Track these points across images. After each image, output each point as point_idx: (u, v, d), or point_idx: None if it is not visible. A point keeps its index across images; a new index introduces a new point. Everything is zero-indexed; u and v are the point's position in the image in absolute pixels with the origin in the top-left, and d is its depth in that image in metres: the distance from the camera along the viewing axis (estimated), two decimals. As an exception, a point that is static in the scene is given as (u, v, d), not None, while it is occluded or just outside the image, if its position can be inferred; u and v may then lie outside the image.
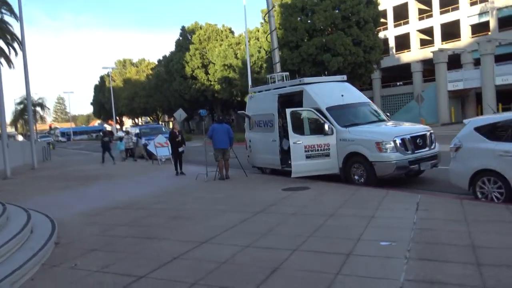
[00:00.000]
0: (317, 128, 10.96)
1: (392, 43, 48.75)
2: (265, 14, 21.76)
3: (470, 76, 38.08)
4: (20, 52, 24.20)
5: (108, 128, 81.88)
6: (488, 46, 35.72)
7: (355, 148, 10.11)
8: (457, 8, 43.01)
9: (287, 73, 14.30)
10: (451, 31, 43.60)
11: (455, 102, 40.21)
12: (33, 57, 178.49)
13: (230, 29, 52.89)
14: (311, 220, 6.64)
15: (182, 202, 8.96)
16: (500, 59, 37.06)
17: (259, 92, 13.79)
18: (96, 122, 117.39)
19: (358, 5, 32.44)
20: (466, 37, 42.53)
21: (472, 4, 41.96)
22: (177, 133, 14.23)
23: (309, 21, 33.99)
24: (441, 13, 44.42)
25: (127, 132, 26.90)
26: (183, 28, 55.23)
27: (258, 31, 43.89)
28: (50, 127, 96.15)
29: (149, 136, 23.77)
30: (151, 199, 9.68)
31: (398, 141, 9.64)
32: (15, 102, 58.38)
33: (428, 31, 46.11)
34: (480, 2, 41.04)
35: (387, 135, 9.83)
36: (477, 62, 40.82)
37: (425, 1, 45.78)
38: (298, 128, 10.98)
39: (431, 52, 40.38)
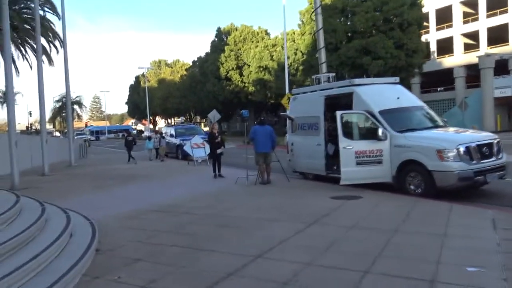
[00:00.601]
0: (369, 133, 10.19)
1: (433, 47, 46.95)
2: (312, 13, 21.11)
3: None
4: (60, 50, 24.51)
5: (141, 127, 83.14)
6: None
7: (412, 155, 9.27)
8: (505, 12, 40.94)
9: (333, 73, 13.57)
10: (498, 35, 41.54)
11: (501, 109, 38.24)
12: (71, 57, 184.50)
13: (266, 31, 52.40)
14: (374, 236, 5.91)
15: (226, 207, 8.39)
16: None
17: (303, 93, 13.11)
18: (130, 121, 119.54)
19: (402, 6, 31.23)
20: (514, 42, 40.41)
21: (522, 7, 39.83)
22: (217, 134, 13.74)
23: (349, 23, 33.04)
24: (488, 16, 42.42)
25: (155, 132, 26.77)
26: (218, 30, 55.18)
27: (294, 33, 43.18)
28: (86, 125, 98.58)
29: (184, 136, 23.50)
30: (192, 202, 9.17)
31: (462, 149, 8.75)
32: (53, 99, 59.99)
33: (473, 35, 44.15)
34: (531, 5, 38.89)
35: (449, 142, 8.95)
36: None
37: (471, 4, 43.88)
38: (348, 133, 10.25)
39: (476, 56, 38.57)
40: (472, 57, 42.46)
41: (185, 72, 69.17)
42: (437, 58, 47.14)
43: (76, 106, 56.32)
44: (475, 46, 44.11)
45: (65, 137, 59.32)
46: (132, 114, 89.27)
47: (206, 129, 58.32)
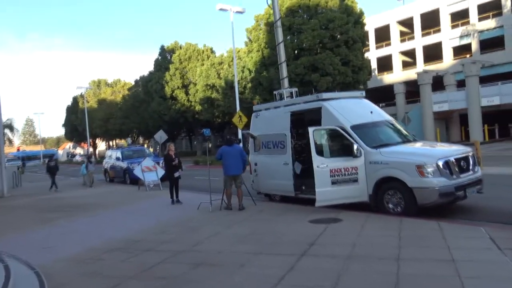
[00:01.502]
0: (342, 150, 9.63)
1: (374, 64, 48.69)
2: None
3: (455, 97, 38.06)
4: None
5: (80, 150, 78.62)
6: (473, 67, 35.85)
7: (390, 172, 8.79)
8: (438, 31, 43.42)
9: (296, 88, 13.06)
10: (433, 53, 43.89)
11: (440, 123, 40.05)
12: (0, 77, 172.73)
13: (211, 49, 51.78)
14: (380, 267, 5.22)
15: (197, 240, 7.36)
16: (483, 80, 37.21)
17: (266, 109, 12.41)
18: (68, 145, 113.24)
19: (346, 24, 31.94)
20: (448, 59, 42.84)
21: (453, 27, 42.43)
22: (173, 156, 12.64)
23: (296, 40, 33.24)
24: (423, 35, 44.77)
25: (89, 156, 25.57)
26: (162, 48, 53.77)
27: (240, 51, 42.88)
28: (18, 150, 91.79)
29: (132, 159, 22.01)
30: (155, 236, 8.04)
31: (441, 164, 8.39)
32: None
33: (410, 53, 46.34)
34: (462, 25, 41.53)
35: (429, 157, 8.58)
36: (459, 84, 41.08)
37: (407, 24, 46.15)
38: (321, 150, 9.64)
39: (416, 73, 40.32)
40: (410, 74, 44.44)
41: (127, 92, 66.62)
42: (378, 75, 48.90)
43: (7, 130, 51.96)
44: (413, 64, 46.27)
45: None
46: (70, 137, 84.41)
47: (151, 150, 56.26)
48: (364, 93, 11.64)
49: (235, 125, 54.61)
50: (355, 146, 9.17)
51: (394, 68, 47.75)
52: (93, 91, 73.70)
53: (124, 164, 21.79)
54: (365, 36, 34.48)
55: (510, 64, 37.52)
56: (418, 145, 9.89)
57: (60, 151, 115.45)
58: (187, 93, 48.59)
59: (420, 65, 44.51)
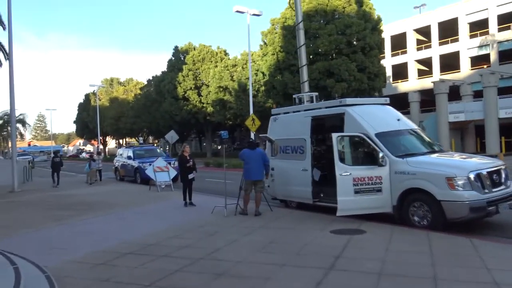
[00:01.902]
0: (366, 158, 9.25)
1: (389, 72, 48.10)
2: (294, 27, 20.35)
3: (471, 108, 37.33)
4: (5, 63, 22.20)
5: (90, 148, 78.86)
6: (492, 78, 35.14)
7: (417, 183, 8.36)
8: (456, 40, 42.79)
9: (317, 93, 12.66)
10: (450, 62, 43.24)
11: (455, 133, 39.34)
12: (18, 72, 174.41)
13: (224, 51, 51.62)
14: (416, 287, 4.81)
15: (214, 247, 7.00)
16: (501, 92, 36.48)
17: (285, 113, 12.04)
18: (78, 142, 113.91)
19: (364, 30, 31.52)
20: (465, 69, 42.16)
21: (471, 36, 41.79)
22: (188, 157, 12.32)
23: (312, 45, 32.85)
24: (440, 44, 44.15)
25: (98, 153, 25.58)
26: (176, 48, 53.77)
27: (253, 54, 42.61)
28: (29, 144, 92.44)
29: (143, 158, 21.75)
30: (170, 240, 7.69)
31: (473, 177, 7.94)
32: (-8, 117, 55.30)
33: (426, 62, 45.73)
34: (480, 35, 40.87)
35: (460, 168, 8.14)
36: (476, 94, 40.36)
37: (424, 32, 45.58)
38: (344, 158, 9.24)
39: (432, 82, 39.67)
40: (425, 83, 43.83)
41: (139, 91, 66.74)
42: (393, 83, 48.32)
43: (19, 125, 52.19)
44: (428, 72, 45.66)
45: (5, 158, 54.64)
46: (81, 134, 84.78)
47: (161, 149, 56.12)
48: (388, 100, 11.22)
49: (247, 128, 54.38)
50: (380, 155, 8.76)
51: (409, 76, 47.16)
52: (106, 89, 73.99)
53: (135, 163, 21.54)
54: (382, 42, 34.00)
55: (530, 76, 36.75)
56: (446, 156, 9.45)
57: (71, 148, 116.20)
58: (199, 94, 48.44)
59: (436, 74, 43.89)
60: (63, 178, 23.39)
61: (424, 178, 8.26)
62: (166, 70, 53.55)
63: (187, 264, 6.02)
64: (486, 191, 8.00)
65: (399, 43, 47.21)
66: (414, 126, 10.60)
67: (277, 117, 12.14)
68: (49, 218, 10.78)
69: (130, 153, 22.57)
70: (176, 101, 49.16)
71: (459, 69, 42.72)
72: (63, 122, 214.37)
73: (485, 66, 40.98)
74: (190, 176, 12.26)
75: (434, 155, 9.31)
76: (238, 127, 57.93)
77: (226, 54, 51.55)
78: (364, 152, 9.33)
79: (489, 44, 40.03)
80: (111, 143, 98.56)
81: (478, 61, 41.80)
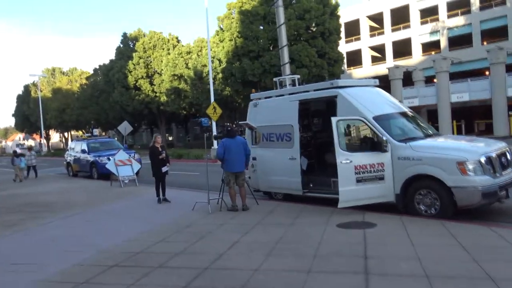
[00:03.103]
0: (366, 144, 8.57)
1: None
2: (275, 8, 19.37)
3: (425, 93, 38.30)
4: None
5: (30, 143, 73.67)
6: (444, 63, 36.13)
7: (424, 169, 7.75)
8: (408, 27, 43.63)
9: (298, 76, 11.82)
10: (402, 49, 44.09)
11: (409, 118, 40.22)
12: None
13: (177, 38, 49.50)
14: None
15: (216, 252, 5.96)
16: (452, 77, 37.64)
17: (266, 98, 11.09)
18: (18, 136, 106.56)
19: (323, 15, 31.12)
20: (417, 55, 43.17)
21: (422, 23, 42.75)
22: (160, 149, 11.08)
23: (271, 30, 31.98)
24: (393, 30, 44.87)
25: (29, 149, 23.88)
26: (124, 35, 50.91)
27: (203, 41, 40.84)
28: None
29: (99, 152, 20.01)
30: (158, 245, 6.56)
31: (484, 160, 7.46)
32: None
33: (380, 48, 46.39)
34: (431, 22, 41.88)
35: (471, 152, 7.61)
36: (427, 80, 41.54)
37: (377, 19, 46.12)
38: (344, 144, 8.48)
39: (386, 68, 40.27)
40: (379, 69, 44.49)
41: (85, 81, 62.95)
42: (347, 70, 48.66)
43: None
44: (382, 59, 46.38)
45: None
46: (21, 127, 79.06)
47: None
48: (377, 81, 10.60)
49: (201, 117, 52.93)
50: (383, 139, 8.07)
51: (363, 63, 47.68)
52: (47, 79, 69.14)
53: (90, 157, 19.75)
54: (339, 28, 33.78)
55: (478, 62, 38.17)
56: (448, 139, 8.97)
57: (9, 143, 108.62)
58: (151, 83, 46.24)
59: (390, 61, 44.64)
60: (3, 176, 21.33)
61: (432, 164, 7.66)
62: (114, 58, 50.63)
63: (194, 276, 4.96)
64: (497, 175, 7.55)
65: (352, 29, 47.50)
66: (407, 108, 10.05)
67: (258, 102, 11.15)
68: (1, 225, 9.19)
69: (84, 146, 20.69)
70: (127, 90, 46.62)
71: (411, 55, 43.67)
72: (0, 116, 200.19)
73: (433, 53, 42.15)
74: (164, 169, 11.04)
75: (435, 139, 8.79)
76: (192, 116, 56.16)
77: (178, 41, 49.51)
78: (364, 137, 8.64)
79: (439, 31, 41.13)
80: (55, 136, 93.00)
81: (429, 47, 42.94)
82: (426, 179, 7.77)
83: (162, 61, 45.09)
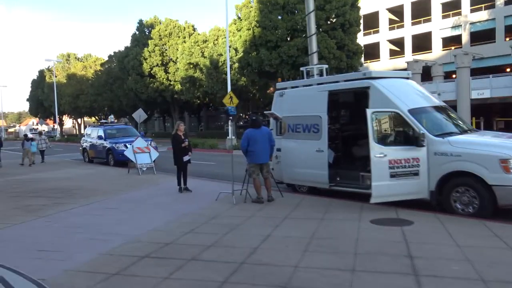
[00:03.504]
0: (401, 137, 8.22)
1: (361, 51, 47.61)
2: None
3: (444, 88, 37.37)
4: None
5: (43, 128, 74.21)
6: (465, 59, 35.21)
7: (463, 165, 7.40)
8: (429, 20, 42.72)
9: (326, 65, 11.47)
10: (421, 43, 43.23)
11: (427, 114, 39.52)
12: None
13: (193, 26, 49.14)
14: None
15: (249, 245, 5.71)
16: (473, 73, 36.78)
17: (292, 88, 10.75)
18: (31, 121, 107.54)
19: (344, 6, 30.48)
20: (437, 50, 42.28)
21: (444, 17, 41.80)
22: (183, 137, 10.84)
23: (290, 20, 31.47)
24: (413, 24, 43.98)
25: (40, 133, 23.92)
26: (140, 22, 50.69)
27: (224, 30, 40.48)
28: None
29: (115, 138, 19.87)
30: (188, 237, 6.31)
31: (526, 159, 7.09)
32: None
33: (398, 42, 45.55)
34: (453, 16, 40.92)
35: (513, 149, 7.23)
36: (447, 75, 40.66)
37: (397, 11, 45.22)
38: (378, 137, 8.13)
39: (405, 62, 39.42)
40: (397, 63, 43.72)
41: (99, 68, 62.99)
42: (364, 63, 47.88)
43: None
44: (400, 53, 45.55)
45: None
46: (35, 112, 79.60)
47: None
48: (410, 73, 10.19)
49: (214, 107, 52.51)
50: (421, 133, 7.70)
51: (381, 56, 46.89)
52: (62, 65, 69.35)
53: (107, 144, 19.61)
54: (359, 20, 33.12)
55: (500, 58, 37.25)
56: (488, 135, 8.57)
57: (23, 127, 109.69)
58: (166, 71, 46.05)
59: (408, 55, 43.82)
60: (19, 160, 21.44)
61: (472, 160, 7.30)
62: (130, 45, 50.50)
63: (231, 271, 4.71)
64: (539, 174, 7.16)
65: (371, 22, 46.68)
66: (441, 102, 9.64)
67: (284, 92, 10.82)
68: (21, 210, 9.03)
69: (101, 133, 20.55)
70: (141, 78, 46.51)
71: (430, 49, 42.80)
72: (14, 100, 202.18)
73: (453, 48, 41.25)
74: (186, 158, 10.80)
75: (473, 135, 8.41)
76: (205, 106, 55.93)
77: (194, 29, 49.16)
78: (399, 131, 8.29)
79: (461, 25, 40.18)
80: (68, 122, 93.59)
81: (450, 42, 42.01)
82: (464, 176, 7.43)
83: (177, 49, 44.85)
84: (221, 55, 38.03)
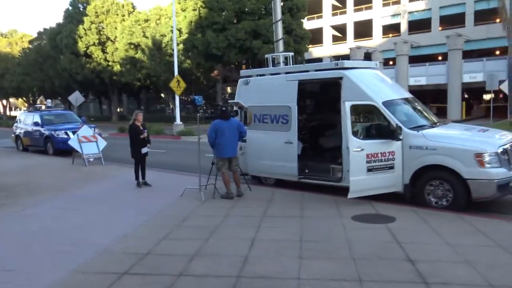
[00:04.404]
0: (376, 130, 8.09)
1: (304, 36, 47.85)
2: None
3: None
4: None
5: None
6: (404, 47, 36.66)
7: (438, 159, 7.43)
8: (370, 8, 43.77)
9: (292, 53, 11.10)
10: (363, 30, 44.26)
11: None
12: None
13: (132, 4, 46.44)
14: None
15: (237, 253, 5.23)
16: (410, 61, 38.38)
17: (258, 76, 10.28)
18: None
19: (292, -10, 30.21)
20: (377, 37, 43.56)
21: (384, 5, 43.02)
22: (141, 127, 10.02)
23: (238, 2, 30.64)
24: (355, 10, 44.86)
25: None
26: (73, -3, 47.13)
27: (167, 9, 38.55)
28: None
29: (54, 125, 18.23)
30: (166, 244, 5.70)
31: (500, 152, 7.25)
32: None
33: (341, 28, 46.32)
34: (393, 4, 42.23)
35: (489, 144, 7.34)
36: (386, 62, 42.16)
37: (339, -2, 45.87)
38: (354, 131, 7.94)
39: (349, 48, 40.32)
40: (339, 49, 44.57)
41: (27, 45, 58.06)
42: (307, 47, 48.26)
43: None
44: (342, 39, 46.40)
45: None
46: (-49, 93, 72.01)
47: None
48: (378, 63, 10.12)
49: (156, 90, 50.54)
50: (399, 127, 7.62)
51: (324, 42, 47.51)
52: (-17, 40, 63.09)
53: (45, 131, 17.95)
54: (306, 5, 33.08)
55: (435, 47, 39.10)
56: (460, 129, 8.70)
57: None
58: (104, 51, 43.34)
59: (351, 41, 44.78)
60: None
61: (448, 154, 7.34)
62: (62, 21, 46.82)
63: (228, 288, 4.24)
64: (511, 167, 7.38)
65: (315, 7, 46.90)
66: (408, 94, 9.67)
67: (249, 80, 10.32)
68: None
69: (37, 119, 18.76)
70: (76, 57, 43.42)
71: (371, 36, 44.01)
72: None
73: (391, 35, 42.74)
74: (144, 150, 10.03)
75: (446, 128, 8.51)
76: (144, 88, 53.60)
77: (134, 7, 46.57)
78: (375, 124, 8.16)
79: (400, 14, 41.61)
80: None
81: (389, 30, 43.41)
82: (438, 169, 7.48)
83: (116, 28, 42.32)
84: (164, 35, 36.42)
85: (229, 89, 53.56)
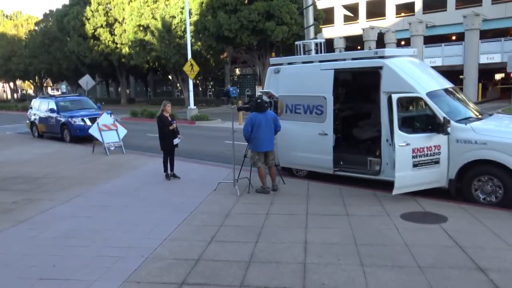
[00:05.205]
0: (422, 124, 7.74)
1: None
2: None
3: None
4: None
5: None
6: (419, 27, 35.84)
7: (488, 154, 7.09)
8: (383, -14, 42.57)
9: (323, 39, 10.64)
10: (376, 9, 43.15)
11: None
12: None
13: (140, -16, 45.49)
14: None
15: (296, 259, 4.96)
16: (425, 41, 37.51)
17: (289, 64, 9.88)
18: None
19: (306, -31, 29.25)
20: (391, 17, 42.50)
21: (398, -17, 41.81)
22: (170, 118, 9.71)
23: (250, -18, 29.84)
24: (367, -11, 43.68)
25: None
26: (80, -23, 46.15)
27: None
28: None
29: (71, 111, 17.97)
30: (212, 247, 5.44)
31: (555, 148, 6.91)
32: None
33: (353, 8, 45.20)
34: (407, -18, 41.03)
35: (543, 139, 7.00)
36: (399, 43, 41.29)
37: (352, -24, 44.59)
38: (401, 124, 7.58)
39: (361, 28, 39.44)
40: (351, 29, 43.63)
41: (33, 27, 57.40)
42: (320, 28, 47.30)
43: None
44: (354, 19, 45.32)
45: None
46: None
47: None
48: (416, 51, 9.68)
49: (164, 72, 50.02)
50: (446, 120, 7.25)
51: (335, 22, 46.47)
52: (-13, 22, 62.45)
53: (61, 118, 17.70)
54: (319, -16, 32.20)
55: (451, 26, 38.10)
56: (505, 120, 8.32)
57: None
58: (112, 33, 42.71)
59: (363, 21, 43.73)
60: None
61: (499, 149, 7.00)
62: (69, 2, 46.05)
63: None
64: None
65: (326, -14, 45.76)
66: (448, 83, 9.25)
67: (280, 68, 9.92)
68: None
69: (53, 105, 18.49)
70: (84, 40, 42.86)
71: (384, 16, 42.93)
72: None
73: (403, 14, 41.69)
74: (176, 141, 9.74)
75: (493, 120, 8.14)
76: (153, 71, 53.00)
77: (141, -13, 45.55)
78: (420, 117, 7.80)
79: (415, -8, 40.44)
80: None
81: (403, 9, 42.31)
82: (488, 164, 7.15)
83: (124, 9, 41.54)
84: (173, 17, 35.71)
85: (237, 71, 52.94)
